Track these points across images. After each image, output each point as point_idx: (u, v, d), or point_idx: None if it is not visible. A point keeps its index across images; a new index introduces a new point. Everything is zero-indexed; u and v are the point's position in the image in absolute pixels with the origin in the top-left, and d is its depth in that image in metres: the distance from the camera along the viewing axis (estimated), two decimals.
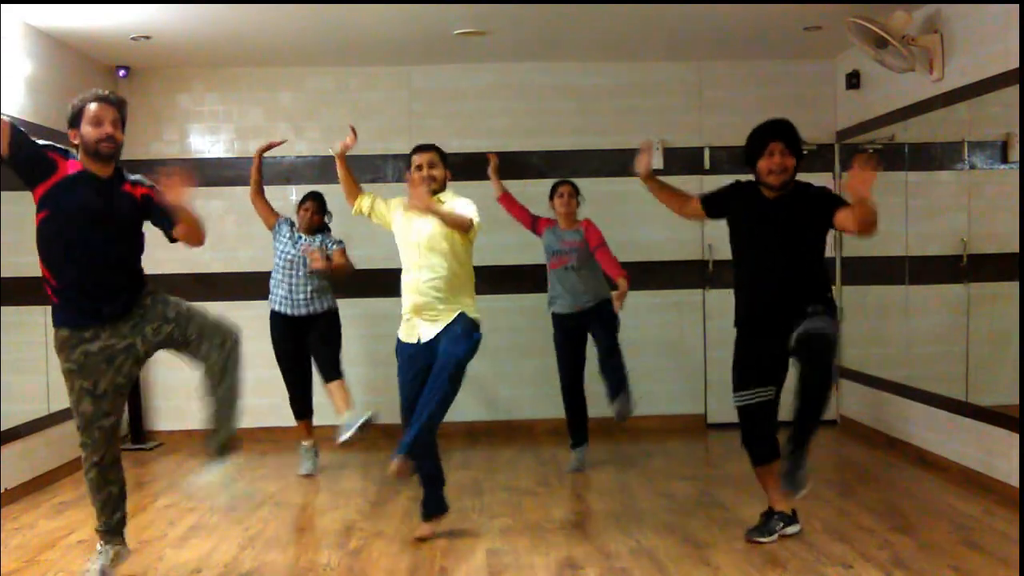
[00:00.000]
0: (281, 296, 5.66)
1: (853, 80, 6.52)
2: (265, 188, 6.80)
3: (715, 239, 7.01)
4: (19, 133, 3.48)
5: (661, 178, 4.49)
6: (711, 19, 5.85)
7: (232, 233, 6.88)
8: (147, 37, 5.96)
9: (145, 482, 5.72)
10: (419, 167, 4.28)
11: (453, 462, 6.05)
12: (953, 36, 5.26)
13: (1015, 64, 4.61)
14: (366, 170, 6.99)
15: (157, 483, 5.73)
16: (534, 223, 5.73)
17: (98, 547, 3.86)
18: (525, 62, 6.94)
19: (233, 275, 6.84)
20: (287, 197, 6.82)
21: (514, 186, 6.55)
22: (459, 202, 4.26)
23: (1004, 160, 5.12)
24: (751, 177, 4.28)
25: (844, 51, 6.64)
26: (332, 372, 5.72)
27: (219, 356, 3.69)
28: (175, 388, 6.61)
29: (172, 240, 3.81)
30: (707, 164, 7.03)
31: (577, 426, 5.74)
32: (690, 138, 7.02)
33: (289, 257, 5.62)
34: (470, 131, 6.96)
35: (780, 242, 4.09)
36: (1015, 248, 4.67)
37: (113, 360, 3.63)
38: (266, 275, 5.82)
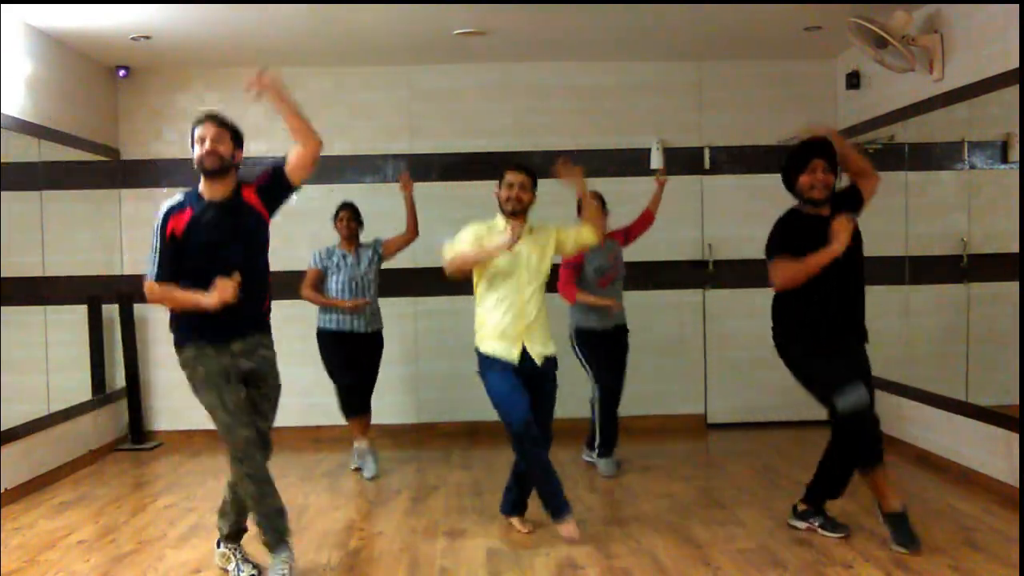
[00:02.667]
0: (344, 320, 5.67)
1: (853, 80, 6.53)
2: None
3: (715, 239, 7.02)
4: (160, 271, 3.68)
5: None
6: (711, 19, 5.85)
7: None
8: (147, 37, 5.96)
9: (145, 482, 5.72)
10: (510, 185, 4.42)
11: (453, 462, 6.05)
12: (953, 36, 5.26)
13: (1015, 64, 4.61)
14: (366, 170, 7.00)
15: (157, 483, 5.72)
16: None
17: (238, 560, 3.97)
18: (525, 62, 6.94)
19: None
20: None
21: None
22: (569, 228, 4.53)
23: (1004, 160, 5.12)
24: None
25: (844, 51, 6.64)
26: (366, 405, 5.85)
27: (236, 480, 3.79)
28: (175, 388, 6.59)
29: (293, 186, 3.87)
30: (707, 164, 7.04)
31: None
32: (690, 138, 7.02)
33: (350, 277, 5.66)
34: (470, 131, 6.96)
35: (845, 260, 4.02)
36: (1015, 248, 4.67)
37: (228, 377, 3.72)
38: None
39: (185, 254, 3.69)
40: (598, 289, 5.49)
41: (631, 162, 7.01)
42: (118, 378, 6.66)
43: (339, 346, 5.69)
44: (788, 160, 4.20)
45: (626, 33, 6.18)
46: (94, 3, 5.21)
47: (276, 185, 3.83)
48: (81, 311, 6.35)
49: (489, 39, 6.23)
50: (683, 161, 6.97)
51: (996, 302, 5.21)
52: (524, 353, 4.34)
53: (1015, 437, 4.70)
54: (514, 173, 4.44)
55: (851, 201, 4.23)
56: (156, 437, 6.89)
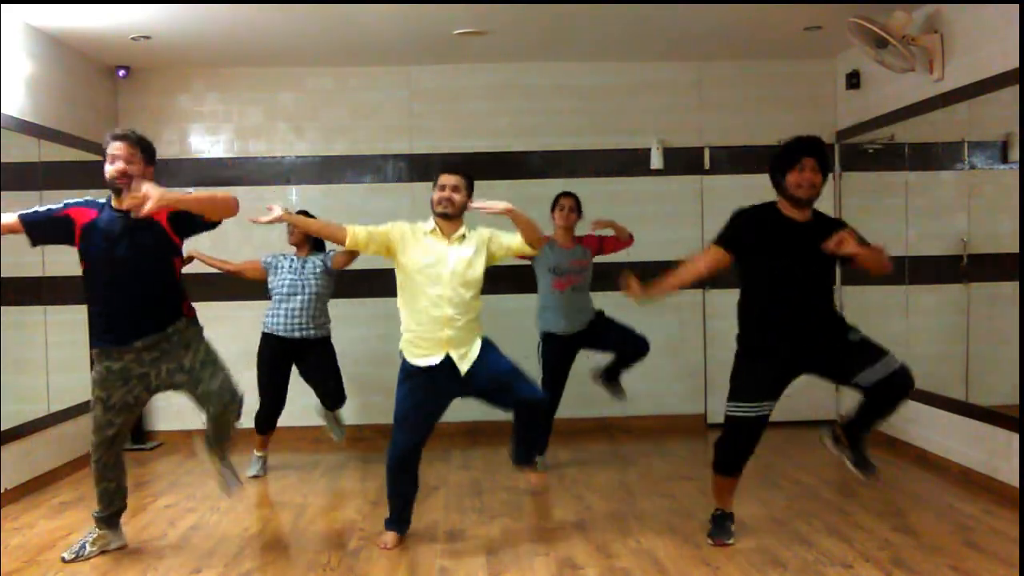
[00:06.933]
0: (279, 321, 5.66)
1: (853, 80, 6.53)
2: (266, 188, 6.81)
3: None
4: (29, 223, 3.99)
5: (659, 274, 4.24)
6: (711, 19, 5.85)
7: (233, 233, 6.85)
8: (147, 37, 5.96)
9: (145, 482, 5.72)
10: (443, 187, 4.27)
11: (453, 462, 6.06)
12: (953, 36, 5.26)
13: (1015, 64, 4.61)
14: (366, 170, 7.00)
15: (157, 483, 5.73)
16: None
17: (90, 529, 4.29)
18: (525, 62, 6.94)
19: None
20: (287, 197, 6.84)
21: (514, 186, 6.58)
22: (503, 235, 4.31)
23: (1004, 160, 5.13)
24: (748, 203, 4.13)
25: (844, 51, 6.65)
26: (338, 402, 5.92)
27: (217, 420, 4.09)
28: None
29: (214, 226, 4.05)
30: (707, 164, 7.04)
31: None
32: (690, 138, 7.02)
33: (289, 282, 5.63)
34: (470, 131, 6.96)
35: (808, 267, 3.97)
36: (1015, 248, 4.67)
37: (128, 381, 4.03)
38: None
39: (82, 254, 3.98)
40: (549, 290, 5.46)
41: (631, 162, 7.02)
42: None
43: (275, 352, 5.76)
44: (778, 155, 4.06)
45: (626, 33, 6.18)
46: (94, 3, 5.21)
47: (188, 219, 3.94)
48: (81, 311, 6.32)
49: (489, 39, 6.23)
50: (683, 161, 6.97)
51: (996, 302, 5.22)
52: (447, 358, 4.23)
53: (1015, 437, 4.71)
54: (447, 175, 4.30)
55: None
56: (156, 437, 6.89)
